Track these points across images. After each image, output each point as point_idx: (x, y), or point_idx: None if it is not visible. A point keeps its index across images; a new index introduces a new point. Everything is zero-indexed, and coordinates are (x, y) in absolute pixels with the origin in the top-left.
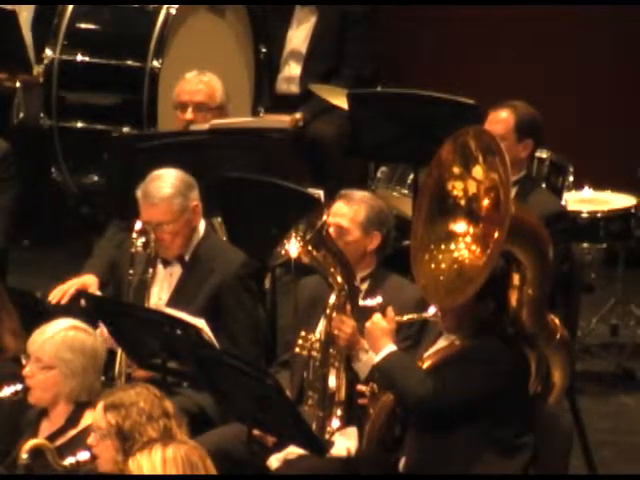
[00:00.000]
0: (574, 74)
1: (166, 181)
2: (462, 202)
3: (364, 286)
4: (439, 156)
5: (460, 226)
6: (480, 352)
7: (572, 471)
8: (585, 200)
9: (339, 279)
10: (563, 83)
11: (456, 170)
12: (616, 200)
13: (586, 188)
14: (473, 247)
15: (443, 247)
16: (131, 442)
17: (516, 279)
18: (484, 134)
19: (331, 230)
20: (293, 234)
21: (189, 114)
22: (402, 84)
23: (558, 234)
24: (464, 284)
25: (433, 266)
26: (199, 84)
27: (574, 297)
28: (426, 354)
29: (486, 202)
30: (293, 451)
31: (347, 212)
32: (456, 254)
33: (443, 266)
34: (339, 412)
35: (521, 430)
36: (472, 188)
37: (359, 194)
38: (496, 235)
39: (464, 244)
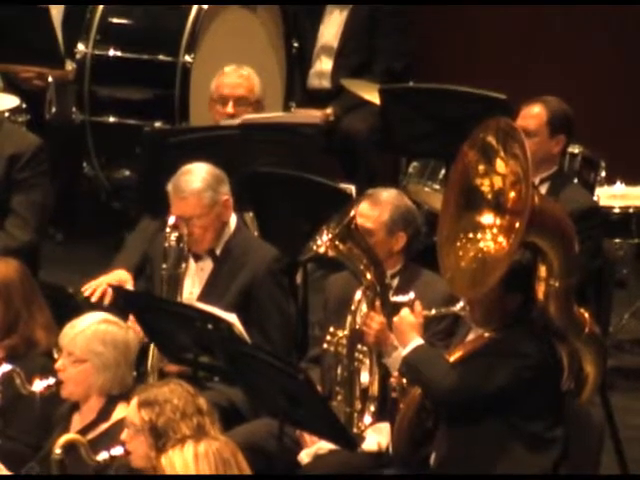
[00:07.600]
0: (606, 71)
1: (196, 175)
2: (489, 196)
3: (394, 282)
4: (463, 156)
5: (487, 218)
6: (507, 345)
7: (603, 469)
8: (617, 195)
9: (368, 275)
10: (594, 79)
11: (481, 168)
12: None
13: (618, 183)
14: (500, 239)
15: (470, 237)
16: (164, 439)
17: (542, 271)
18: (501, 124)
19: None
20: (324, 229)
21: (230, 108)
22: (433, 81)
23: (590, 230)
24: (487, 274)
25: (459, 256)
26: (239, 78)
27: (606, 293)
28: (454, 347)
29: (512, 195)
30: (324, 446)
31: (371, 214)
32: (482, 244)
33: (468, 257)
34: (372, 408)
35: (551, 424)
36: (498, 183)
37: (385, 194)
38: (517, 225)
39: (490, 235)
